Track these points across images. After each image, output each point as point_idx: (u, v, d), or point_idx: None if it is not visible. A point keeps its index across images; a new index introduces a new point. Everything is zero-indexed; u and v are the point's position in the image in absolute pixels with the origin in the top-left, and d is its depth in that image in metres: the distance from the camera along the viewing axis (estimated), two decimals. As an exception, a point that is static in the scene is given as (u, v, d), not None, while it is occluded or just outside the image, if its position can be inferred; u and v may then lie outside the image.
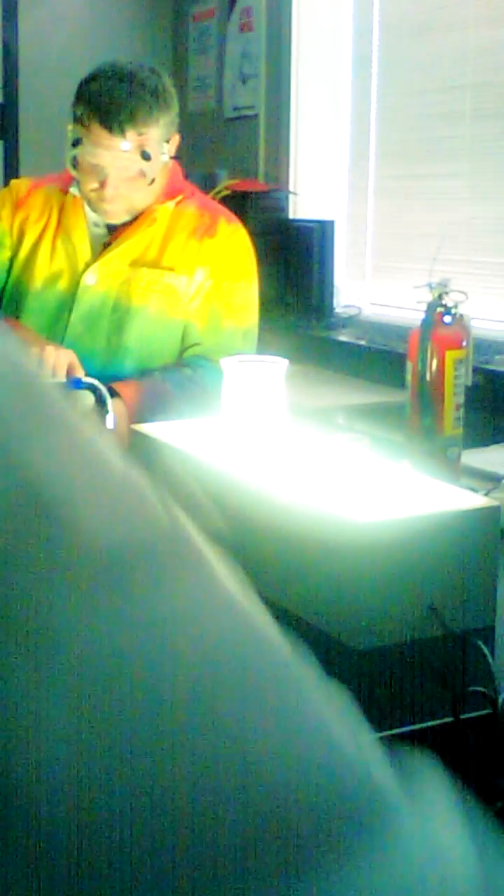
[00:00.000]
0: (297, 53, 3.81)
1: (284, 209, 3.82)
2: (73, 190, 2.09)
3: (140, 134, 1.94)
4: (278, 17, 3.84)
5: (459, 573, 1.40)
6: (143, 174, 1.96)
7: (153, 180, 1.98)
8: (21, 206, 2.09)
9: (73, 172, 2.00)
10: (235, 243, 2.10)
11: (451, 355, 1.93)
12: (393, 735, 1.18)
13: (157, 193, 2.05)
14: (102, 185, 1.96)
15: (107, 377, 2.04)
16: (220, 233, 2.09)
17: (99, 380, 2.04)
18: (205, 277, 2.02)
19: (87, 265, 2.05)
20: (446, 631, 1.36)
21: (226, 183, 3.87)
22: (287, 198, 3.83)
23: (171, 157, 2.09)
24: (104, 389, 1.73)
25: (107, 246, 2.07)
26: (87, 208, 2.07)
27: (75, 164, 1.99)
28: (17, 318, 2.04)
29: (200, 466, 1.67)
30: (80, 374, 1.81)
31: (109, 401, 1.72)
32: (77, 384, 1.73)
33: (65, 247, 2.06)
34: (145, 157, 1.95)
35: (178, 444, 1.74)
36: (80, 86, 2.00)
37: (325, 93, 3.81)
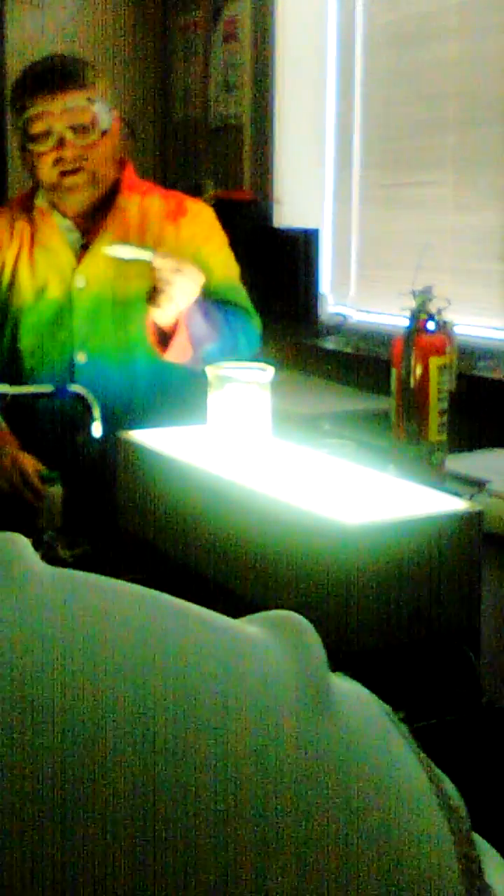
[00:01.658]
0: (282, 63, 3.83)
1: (270, 218, 3.83)
2: (38, 202, 2.11)
3: (80, 88, 2.00)
4: (263, 28, 3.86)
5: (444, 577, 1.41)
6: (94, 123, 1.99)
7: (104, 133, 2.00)
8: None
9: (32, 162, 2.02)
10: (207, 215, 2.18)
11: (434, 362, 1.95)
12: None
13: (114, 162, 2.07)
14: (59, 147, 1.98)
15: (124, 372, 2.06)
16: (190, 210, 2.15)
17: (119, 375, 2.06)
18: (191, 248, 2.04)
19: (73, 270, 2.06)
20: (431, 634, 1.38)
21: (211, 192, 3.89)
22: (272, 207, 3.85)
23: (124, 152, 2.15)
24: (90, 397, 1.74)
25: (85, 248, 2.09)
26: (57, 217, 2.09)
27: (28, 155, 2.02)
28: (18, 337, 2.06)
29: (188, 472, 1.68)
30: (35, 479, 1.83)
31: (96, 409, 1.73)
32: (63, 393, 1.75)
33: (45, 258, 2.08)
34: (91, 100, 1.98)
35: (166, 451, 1.75)
36: (15, 83, 2.05)
37: (310, 102, 3.83)
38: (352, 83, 3.68)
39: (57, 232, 2.09)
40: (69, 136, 1.98)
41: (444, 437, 1.98)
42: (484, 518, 1.45)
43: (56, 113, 1.97)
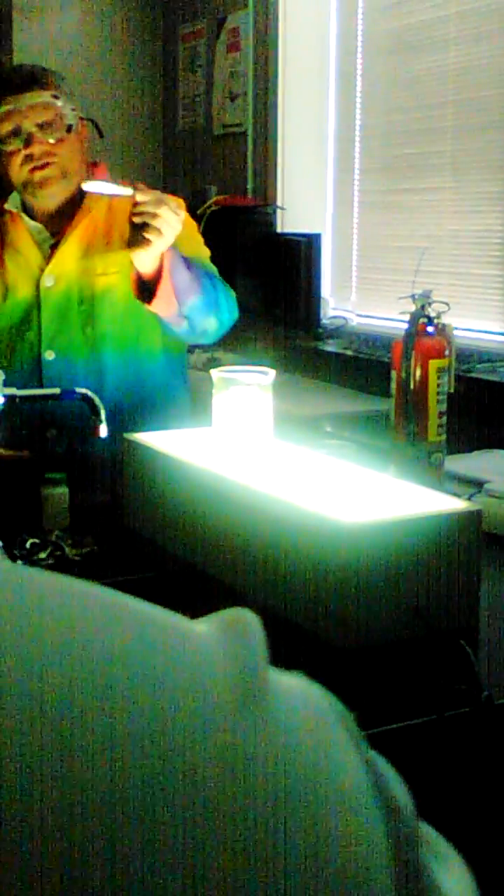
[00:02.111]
0: (284, 72, 3.85)
1: (272, 223, 3.86)
2: (7, 206, 2.13)
3: (44, 87, 2.04)
4: (265, 37, 3.88)
5: (443, 575, 1.43)
6: (61, 119, 2.02)
7: (70, 128, 2.03)
8: None
9: (1, 162, 2.05)
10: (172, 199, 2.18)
11: (434, 364, 1.97)
12: (379, 732, 1.22)
13: (83, 159, 2.10)
14: (28, 144, 2.01)
15: (92, 368, 2.08)
16: None
17: (86, 372, 2.08)
18: None
19: (42, 270, 2.09)
20: (431, 631, 1.39)
21: (215, 198, 3.91)
22: (275, 212, 3.88)
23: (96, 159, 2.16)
24: (96, 399, 1.77)
25: (54, 248, 2.11)
26: (25, 219, 2.12)
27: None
28: None
29: (192, 473, 1.70)
30: None
31: (102, 411, 1.75)
32: (71, 395, 1.77)
33: (14, 259, 2.11)
34: (56, 97, 2.02)
35: (170, 451, 1.78)
36: None
37: (311, 110, 3.86)
38: (352, 91, 3.71)
39: (26, 234, 2.11)
40: (37, 133, 2.02)
41: (443, 438, 2.00)
42: (482, 517, 1.47)
43: (23, 110, 2.01)
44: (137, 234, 1.81)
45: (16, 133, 2.01)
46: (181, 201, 1.94)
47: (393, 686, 1.33)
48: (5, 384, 1.71)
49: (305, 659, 1.39)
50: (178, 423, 2.21)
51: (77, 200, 2.12)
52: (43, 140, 2.02)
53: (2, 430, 1.69)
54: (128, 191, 1.79)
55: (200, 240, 2.19)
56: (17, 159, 2.03)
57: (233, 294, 2.11)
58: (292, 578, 1.47)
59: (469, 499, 1.68)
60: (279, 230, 3.87)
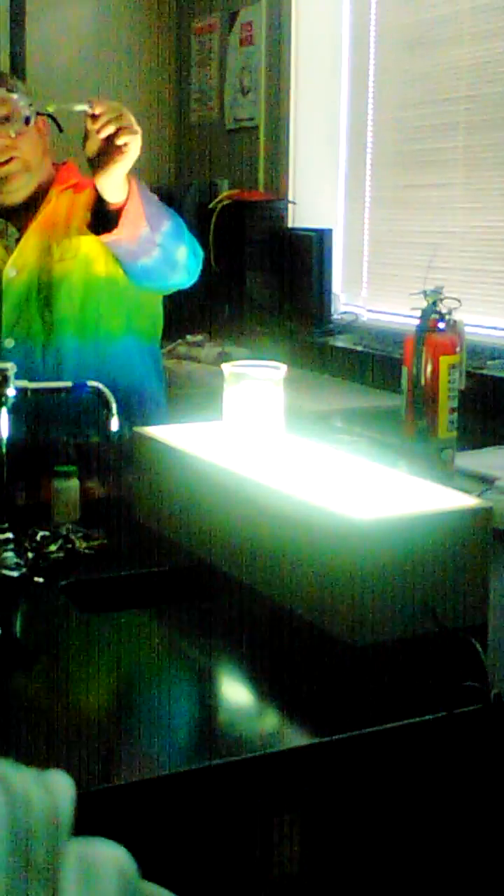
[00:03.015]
0: (296, 66, 3.85)
1: (283, 218, 3.86)
2: None
3: None
4: (278, 31, 3.88)
5: (453, 572, 1.43)
6: (18, 111, 2.03)
7: (28, 120, 2.03)
8: None
9: None
10: None
11: (445, 360, 1.97)
12: (388, 729, 1.22)
13: (45, 153, 2.10)
14: None
15: (50, 353, 2.08)
16: None
17: (44, 357, 2.09)
18: None
19: (4, 261, 2.11)
20: (440, 627, 1.39)
21: (226, 193, 3.91)
22: (286, 207, 3.87)
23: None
24: (107, 392, 1.77)
25: (19, 241, 2.13)
26: None
27: None
28: None
29: (203, 467, 1.70)
30: None
31: (113, 404, 1.76)
32: (83, 389, 1.77)
33: None
34: (11, 90, 2.04)
35: (182, 446, 1.78)
36: None
37: (324, 105, 3.85)
38: (365, 86, 3.70)
39: None
40: None
41: (453, 434, 2.00)
42: (493, 514, 1.48)
43: None
44: (107, 149, 1.76)
45: None
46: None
47: (402, 683, 1.33)
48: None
49: (315, 655, 1.39)
50: (149, 409, 2.21)
51: (41, 195, 2.13)
52: (3, 134, 2.03)
53: (13, 422, 1.69)
54: (85, 106, 1.76)
55: None
56: None
57: (194, 238, 2.08)
58: (303, 574, 1.47)
59: (479, 495, 1.69)
60: (290, 225, 3.87)
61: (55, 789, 0.44)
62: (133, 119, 1.77)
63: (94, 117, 1.75)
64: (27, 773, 0.44)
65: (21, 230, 2.14)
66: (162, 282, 2.06)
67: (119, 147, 1.75)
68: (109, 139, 1.75)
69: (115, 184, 1.82)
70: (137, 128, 1.77)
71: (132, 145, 1.76)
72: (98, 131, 1.75)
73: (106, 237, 1.89)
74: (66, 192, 2.14)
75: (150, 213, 1.87)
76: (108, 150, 1.76)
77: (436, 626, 1.39)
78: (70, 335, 2.09)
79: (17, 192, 2.10)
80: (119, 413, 1.99)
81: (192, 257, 2.02)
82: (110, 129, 1.74)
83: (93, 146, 1.78)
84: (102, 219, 1.89)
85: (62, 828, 0.43)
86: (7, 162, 2.05)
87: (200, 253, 2.07)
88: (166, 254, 1.95)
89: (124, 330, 2.15)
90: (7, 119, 2.05)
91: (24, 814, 0.42)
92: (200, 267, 2.08)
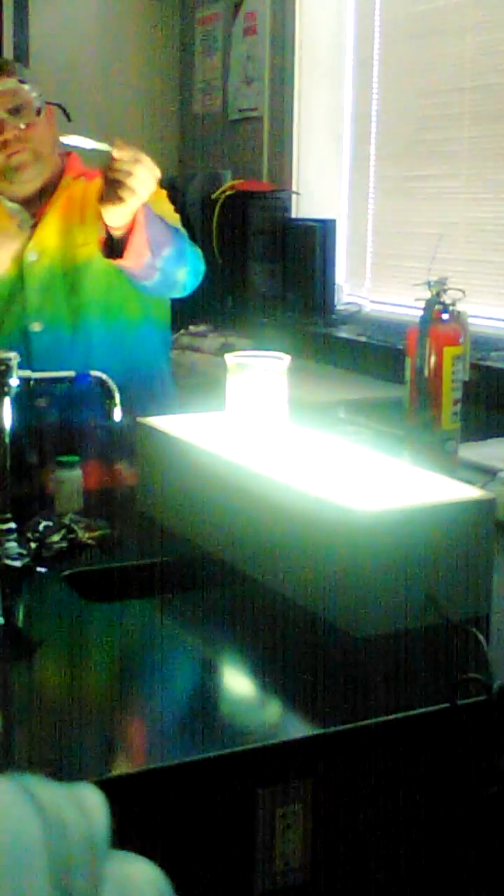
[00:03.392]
0: (300, 56, 3.84)
1: (287, 209, 3.85)
2: None
3: (10, 74, 2.06)
4: (282, 21, 3.87)
5: (456, 563, 1.43)
6: (29, 102, 2.03)
7: (39, 111, 2.04)
8: None
9: None
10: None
11: (449, 351, 1.97)
12: (390, 721, 1.22)
13: (55, 143, 2.11)
14: (0, 129, 2.02)
15: (79, 338, 2.09)
16: None
17: (73, 341, 2.09)
18: None
19: (24, 246, 2.10)
20: (443, 619, 1.39)
21: (230, 183, 3.90)
22: (290, 197, 3.87)
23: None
24: (110, 382, 1.77)
25: (34, 228, 2.13)
26: (5, 201, 2.13)
27: None
28: None
29: (205, 458, 1.70)
30: None
31: (117, 394, 1.76)
32: (85, 379, 1.77)
33: None
34: (23, 82, 2.04)
35: (184, 436, 1.78)
36: None
37: (327, 95, 3.85)
38: (369, 76, 3.69)
39: (5, 214, 2.13)
40: (8, 118, 2.04)
41: (457, 425, 2.00)
42: (496, 506, 1.47)
43: None
44: (112, 190, 1.79)
45: None
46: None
47: (405, 674, 1.33)
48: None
49: (318, 646, 1.39)
50: (169, 394, 2.23)
51: (53, 183, 2.13)
52: (15, 125, 2.03)
53: (17, 412, 1.69)
54: (106, 146, 1.78)
55: (170, 206, 2.19)
56: None
57: (199, 251, 2.11)
58: (306, 565, 1.47)
59: (483, 487, 1.68)
60: (294, 215, 3.86)
61: (89, 808, 0.43)
62: (150, 165, 1.79)
63: (113, 159, 1.78)
64: (57, 790, 0.43)
65: (35, 216, 2.14)
66: (159, 296, 2.15)
67: (127, 189, 1.77)
68: (116, 182, 1.78)
69: (118, 218, 1.84)
70: (154, 174, 1.79)
71: (141, 191, 1.78)
72: (111, 170, 1.77)
73: (113, 263, 1.93)
74: (78, 179, 2.14)
75: (153, 240, 1.90)
76: (111, 192, 1.78)
77: (438, 618, 1.39)
78: (97, 320, 2.11)
79: (30, 183, 2.10)
80: (142, 398, 2.06)
81: (191, 277, 2.06)
82: (121, 176, 1.77)
83: (105, 178, 1.80)
84: (110, 242, 1.92)
85: (99, 851, 0.42)
86: (19, 151, 2.05)
87: (202, 269, 2.11)
88: (166, 277, 1.99)
89: (142, 316, 2.17)
90: (18, 110, 2.04)
91: (62, 839, 0.41)
92: (200, 281, 2.11)
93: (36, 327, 2.09)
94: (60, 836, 0.41)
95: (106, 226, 1.88)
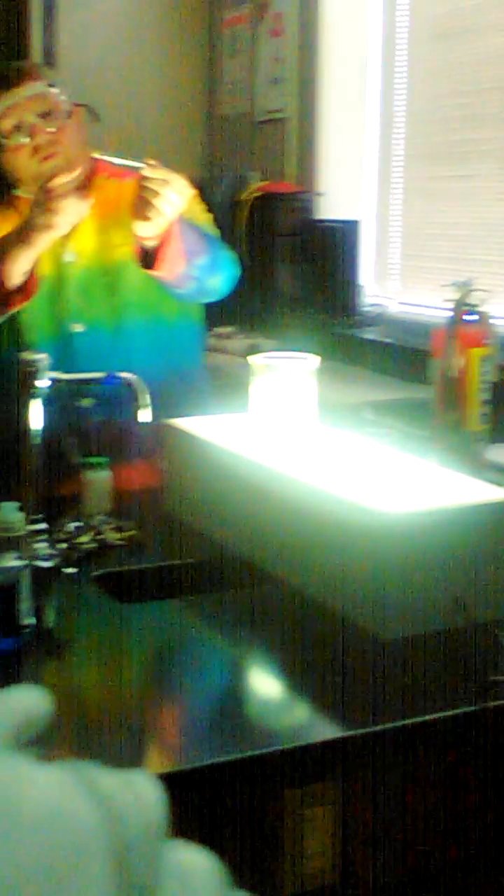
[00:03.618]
0: (327, 57, 3.83)
1: (313, 210, 3.85)
2: (19, 191, 2.15)
3: (36, 79, 2.07)
4: (308, 22, 3.87)
5: (484, 565, 1.43)
6: (59, 105, 2.04)
7: (69, 114, 2.05)
8: None
9: (9, 161, 2.07)
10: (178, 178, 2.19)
11: (476, 353, 1.97)
12: (418, 723, 1.22)
13: (84, 144, 2.12)
14: (32, 135, 2.03)
15: (121, 337, 2.10)
16: None
17: (115, 341, 2.10)
18: None
19: (62, 246, 2.11)
20: (470, 621, 1.39)
21: (256, 184, 3.90)
22: (316, 199, 3.86)
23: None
24: (139, 383, 1.77)
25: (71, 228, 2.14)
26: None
27: (3, 155, 2.06)
28: (16, 315, 2.10)
29: (233, 460, 1.71)
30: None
31: (147, 395, 1.76)
32: (113, 380, 1.78)
33: None
34: (52, 85, 2.06)
35: (211, 438, 1.78)
36: None
37: (354, 96, 3.84)
38: (395, 77, 3.69)
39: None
40: (38, 123, 2.04)
41: (485, 426, 1.99)
42: (523, 507, 1.47)
43: (21, 103, 2.04)
44: (141, 207, 1.83)
45: (18, 127, 2.04)
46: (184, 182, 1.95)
47: (431, 677, 1.33)
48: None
49: (344, 648, 1.39)
50: (200, 395, 2.23)
51: (86, 183, 2.14)
52: (45, 129, 2.04)
53: (47, 412, 1.71)
54: (138, 165, 1.81)
55: (202, 207, 2.20)
56: (24, 154, 2.05)
57: (233, 255, 2.13)
58: (332, 567, 1.47)
59: (510, 489, 1.68)
60: (320, 217, 3.86)
61: (145, 795, 0.43)
62: (179, 187, 1.82)
63: (144, 178, 1.81)
64: (114, 777, 0.44)
65: None
66: (194, 302, 2.18)
67: (155, 210, 1.80)
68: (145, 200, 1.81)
69: (145, 231, 1.87)
70: (182, 195, 1.82)
71: (168, 212, 1.82)
72: (141, 188, 1.81)
73: (148, 273, 1.95)
74: (111, 179, 2.15)
75: (188, 250, 1.92)
76: (140, 209, 1.82)
77: (465, 620, 1.39)
78: (137, 319, 2.12)
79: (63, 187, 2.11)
80: (181, 397, 2.09)
81: (226, 283, 2.09)
82: (149, 196, 1.80)
83: (137, 193, 1.83)
84: (143, 252, 1.94)
85: (158, 839, 0.42)
86: (51, 156, 2.06)
87: (237, 274, 2.13)
88: (201, 285, 2.01)
89: (179, 315, 2.18)
90: (48, 114, 2.05)
91: (120, 826, 0.41)
92: (234, 285, 2.13)
93: (77, 328, 2.10)
94: (118, 822, 0.41)
95: (139, 237, 1.90)
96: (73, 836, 0.40)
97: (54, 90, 2.05)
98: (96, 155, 1.96)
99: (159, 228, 1.85)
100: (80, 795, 0.41)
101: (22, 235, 1.92)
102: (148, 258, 1.93)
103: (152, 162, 1.81)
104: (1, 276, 1.93)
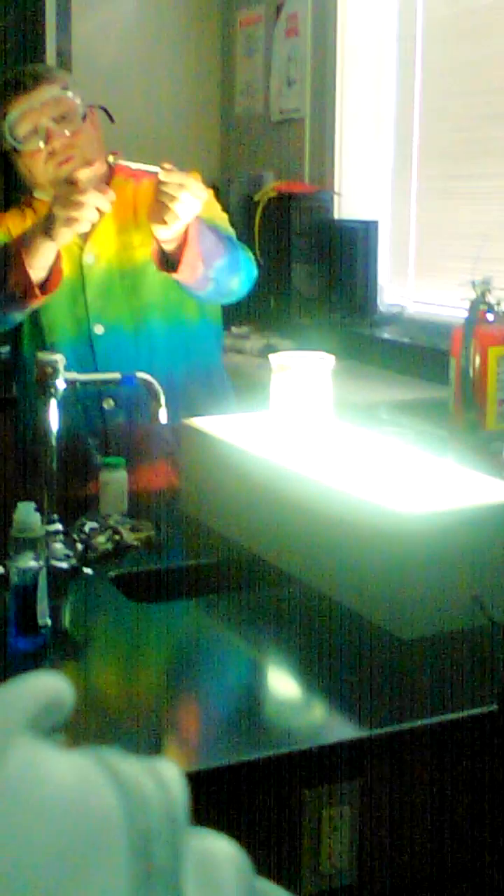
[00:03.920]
0: (342, 57, 3.83)
1: (329, 210, 3.84)
2: (36, 194, 2.15)
3: (51, 82, 2.08)
4: (323, 22, 3.87)
5: (502, 565, 1.42)
6: (74, 108, 2.04)
7: (84, 116, 2.05)
8: (2, 223, 2.16)
9: (25, 166, 2.07)
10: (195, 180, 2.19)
11: (494, 352, 1.96)
12: (437, 723, 1.22)
13: (100, 146, 2.12)
14: (48, 139, 2.03)
15: (141, 337, 2.10)
16: None
17: (136, 342, 2.10)
18: None
19: (81, 248, 2.11)
20: (489, 621, 1.39)
21: (272, 184, 3.90)
22: (332, 199, 3.86)
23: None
24: (156, 384, 1.77)
25: (90, 230, 2.14)
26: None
27: (20, 159, 2.07)
28: (37, 316, 2.10)
29: (249, 459, 1.70)
30: None
31: (162, 396, 1.76)
32: (131, 381, 1.78)
33: None
34: (65, 89, 2.05)
35: (228, 438, 1.78)
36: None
37: (370, 95, 3.83)
38: (412, 76, 3.68)
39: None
40: (54, 128, 2.04)
41: (503, 426, 1.99)
42: (542, 507, 1.46)
43: (37, 107, 2.04)
44: (158, 210, 1.83)
45: (34, 132, 2.04)
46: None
47: (451, 676, 1.33)
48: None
49: (364, 648, 1.39)
50: (221, 395, 2.24)
51: (104, 185, 2.14)
52: (61, 133, 2.04)
53: (63, 414, 1.71)
54: (154, 169, 1.81)
55: (218, 206, 2.20)
56: (40, 158, 2.05)
57: (251, 254, 2.12)
58: (351, 567, 1.47)
59: (529, 488, 1.67)
60: (336, 217, 3.85)
61: (167, 781, 0.43)
62: (196, 190, 1.82)
63: (160, 182, 1.81)
64: (135, 763, 0.43)
65: None
66: (213, 303, 2.18)
67: (171, 213, 1.81)
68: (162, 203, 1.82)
69: (167, 236, 1.88)
70: (198, 198, 1.82)
71: (185, 215, 1.82)
72: (158, 192, 1.81)
73: (168, 275, 1.96)
74: (128, 180, 2.15)
75: (206, 252, 1.93)
76: (157, 213, 1.82)
77: (485, 620, 1.39)
78: (158, 320, 2.12)
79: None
80: (202, 397, 2.10)
81: (245, 283, 2.09)
82: (166, 199, 1.80)
83: (154, 198, 1.84)
84: (162, 255, 1.94)
85: (180, 825, 0.42)
86: (68, 160, 2.06)
87: (255, 273, 2.13)
88: (220, 287, 2.01)
89: (198, 315, 2.18)
90: (63, 118, 2.06)
91: (141, 811, 0.41)
92: (252, 285, 2.13)
93: (98, 330, 2.11)
94: (140, 808, 0.41)
95: (157, 240, 1.90)
96: (92, 821, 0.40)
97: (68, 93, 2.06)
98: (111, 160, 1.96)
99: (177, 232, 1.86)
100: (100, 780, 0.41)
101: (44, 229, 1.92)
102: (167, 261, 1.94)
103: (168, 166, 1.81)
104: (24, 270, 1.93)
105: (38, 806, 0.39)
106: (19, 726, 0.43)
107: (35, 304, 1.99)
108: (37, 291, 1.95)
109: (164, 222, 1.82)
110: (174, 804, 0.42)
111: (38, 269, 1.95)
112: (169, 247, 1.91)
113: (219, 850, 0.44)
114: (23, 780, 0.40)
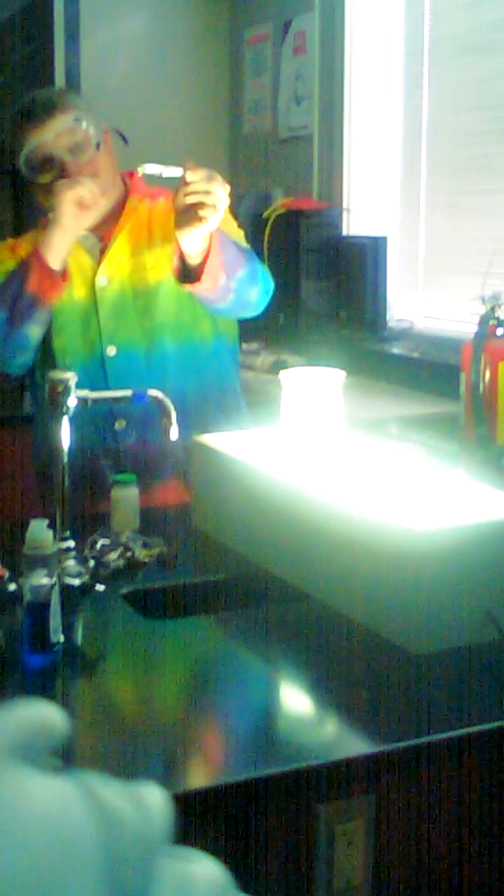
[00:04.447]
0: (350, 74, 3.84)
1: (338, 226, 3.85)
2: (50, 217, 2.17)
3: (64, 111, 2.09)
4: (331, 40, 3.88)
5: (514, 579, 1.42)
6: (88, 138, 2.05)
7: (99, 145, 2.06)
8: (16, 251, 2.17)
9: (42, 195, 2.08)
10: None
11: (504, 367, 1.96)
12: (451, 738, 1.21)
13: (116, 171, 2.13)
14: (64, 172, 2.04)
15: (154, 360, 2.11)
16: None
17: (148, 364, 2.11)
18: None
19: (94, 271, 2.12)
20: (502, 636, 1.39)
21: (281, 201, 3.92)
22: (341, 215, 3.87)
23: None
24: (167, 401, 1.78)
25: (102, 251, 2.15)
26: None
27: (37, 189, 2.08)
28: (50, 338, 2.11)
29: (261, 476, 1.71)
30: None
31: (173, 413, 1.77)
32: (142, 398, 1.78)
33: (69, 264, 2.13)
34: (78, 120, 2.06)
35: (239, 454, 1.78)
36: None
37: (377, 112, 3.85)
38: (419, 92, 3.69)
39: (75, 241, 2.14)
40: (69, 159, 2.05)
41: (513, 441, 1.99)
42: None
43: (51, 140, 2.05)
44: (190, 212, 1.83)
45: (49, 162, 2.05)
46: None
47: (464, 691, 1.32)
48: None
49: (377, 663, 1.39)
50: (235, 415, 2.24)
51: (119, 206, 2.15)
52: (76, 164, 2.05)
53: (74, 432, 1.71)
54: (179, 170, 1.82)
55: (234, 222, 2.22)
56: (55, 187, 2.06)
57: (267, 269, 2.13)
58: (364, 583, 1.47)
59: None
60: (345, 233, 3.86)
61: (147, 805, 0.44)
62: (222, 189, 1.83)
63: (186, 183, 1.81)
64: (116, 788, 0.44)
65: (102, 240, 2.16)
66: (232, 317, 2.19)
67: (209, 207, 1.80)
68: (194, 204, 1.82)
69: (197, 241, 1.88)
70: (224, 197, 1.83)
71: (220, 207, 1.82)
72: (185, 195, 1.81)
73: (189, 287, 1.96)
74: (143, 201, 2.16)
75: (228, 262, 1.93)
76: (191, 214, 1.81)
77: (497, 635, 1.38)
78: (170, 341, 2.13)
79: (96, 217, 2.12)
80: (216, 415, 2.11)
81: (263, 295, 2.09)
82: (195, 199, 1.81)
83: (180, 203, 1.83)
84: (185, 268, 1.95)
85: (154, 849, 0.43)
86: (87, 207, 2.07)
87: (272, 287, 2.14)
88: (240, 298, 2.02)
89: (213, 333, 2.18)
90: (79, 146, 2.06)
91: (117, 838, 0.42)
92: (270, 298, 2.14)
93: (111, 351, 2.11)
94: (113, 831, 0.42)
95: (181, 253, 1.90)
96: (65, 844, 0.41)
97: (83, 124, 2.06)
98: (140, 172, 1.96)
99: (210, 230, 1.85)
100: (78, 806, 0.42)
101: (53, 219, 1.96)
102: (188, 273, 1.94)
103: (192, 164, 1.82)
104: (42, 262, 1.97)
105: (16, 830, 0.40)
106: (3, 752, 0.44)
107: (48, 302, 2.01)
108: (57, 277, 1.98)
109: (202, 219, 1.81)
110: (150, 828, 0.43)
111: (53, 260, 1.98)
112: (195, 260, 1.91)
113: (198, 872, 0.45)
114: (2, 804, 0.41)
